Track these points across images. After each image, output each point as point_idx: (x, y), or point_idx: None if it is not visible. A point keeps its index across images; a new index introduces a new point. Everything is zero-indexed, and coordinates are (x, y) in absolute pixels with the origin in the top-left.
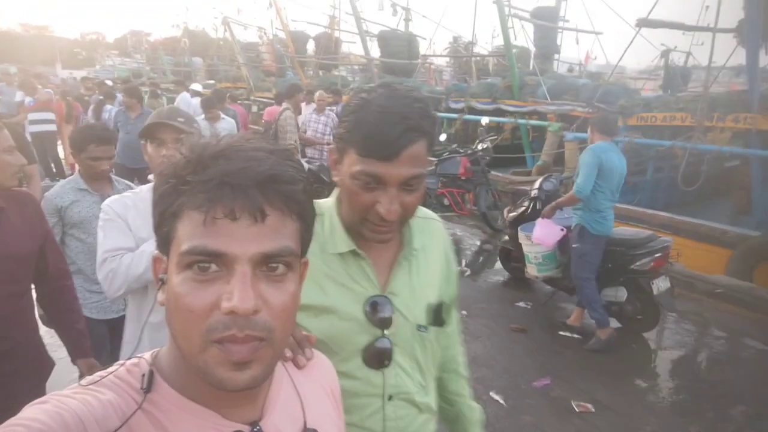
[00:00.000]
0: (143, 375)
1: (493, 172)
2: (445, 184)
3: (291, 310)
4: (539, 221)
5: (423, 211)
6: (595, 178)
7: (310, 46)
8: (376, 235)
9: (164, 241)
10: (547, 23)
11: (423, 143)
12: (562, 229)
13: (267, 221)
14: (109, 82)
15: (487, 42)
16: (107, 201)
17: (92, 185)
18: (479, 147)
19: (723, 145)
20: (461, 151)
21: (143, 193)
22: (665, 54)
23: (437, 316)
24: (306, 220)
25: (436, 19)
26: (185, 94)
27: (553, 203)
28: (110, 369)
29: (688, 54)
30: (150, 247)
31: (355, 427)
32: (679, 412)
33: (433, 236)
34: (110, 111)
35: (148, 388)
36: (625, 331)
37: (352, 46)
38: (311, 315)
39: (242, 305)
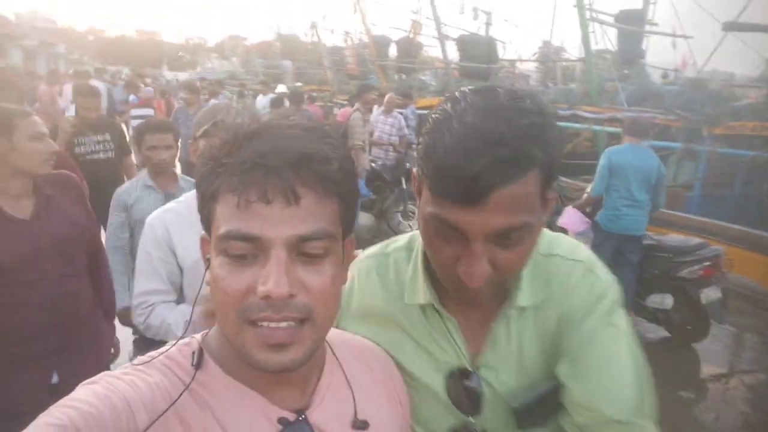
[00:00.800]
0: (193, 353)
1: (562, 179)
2: None
3: (332, 293)
4: (567, 209)
5: (547, 243)
6: (609, 178)
7: (393, 51)
8: (460, 296)
9: (206, 223)
10: (629, 27)
11: (529, 178)
12: (587, 221)
13: (301, 203)
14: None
15: (575, 47)
16: (149, 219)
17: (157, 181)
18: None
19: None
20: None
21: (188, 201)
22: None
23: (551, 405)
24: (346, 200)
25: (518, 23)
26: (264, 95)
27: (580, 200)
28: (162, 349)
29: None
30: (183, 312)
31: None
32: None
33: (557, 281)
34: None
35: (197, 365)
36: (672, 340)
37: (433, 50)
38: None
39: (276, 289)
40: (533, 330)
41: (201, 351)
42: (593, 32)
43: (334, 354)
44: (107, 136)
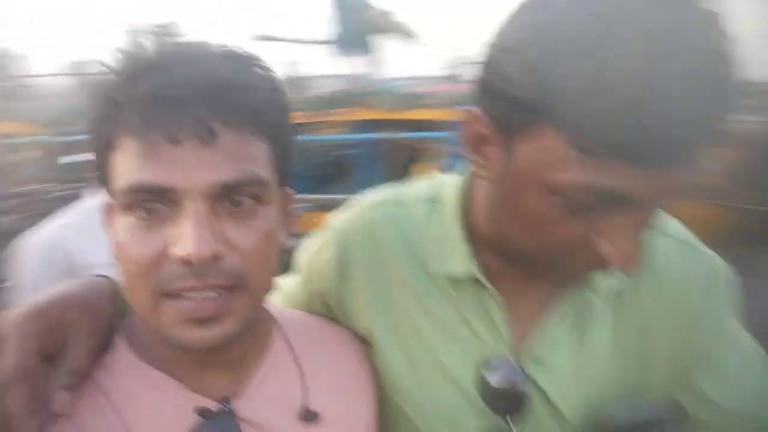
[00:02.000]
0: None
1: None
2: None
3: (267, 252)
4: None
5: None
6: None
7: None
8: (570, 282)
9: (104, 182)
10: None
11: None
12: None
13: (220, 142)
14: None
15: None
16: (34, 238)
17: None
18: None
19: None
20: None
21: (87, 205)
22: None
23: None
24: (279, 140)
25: None
26: None
27: None
28: None
29: None
30: None
31: None
32: None
33: (661, 263)
34: None
35: None
36: None
37: None
38: (405, 372)
39: (197, 251)
40: (610, 322)
41: None
42: None
43: (283, 333)
44: None
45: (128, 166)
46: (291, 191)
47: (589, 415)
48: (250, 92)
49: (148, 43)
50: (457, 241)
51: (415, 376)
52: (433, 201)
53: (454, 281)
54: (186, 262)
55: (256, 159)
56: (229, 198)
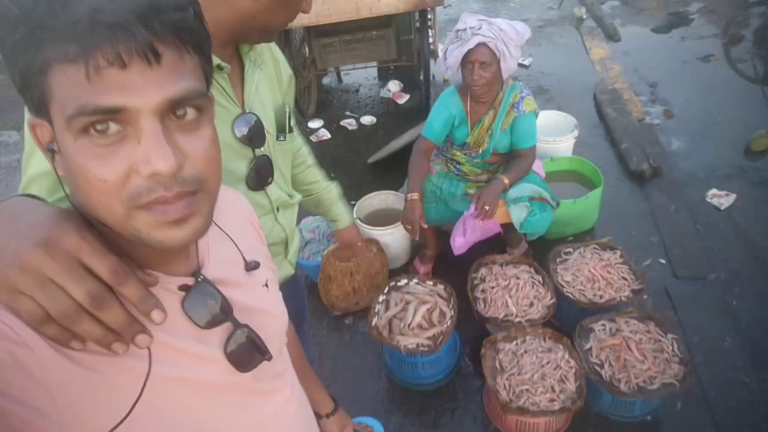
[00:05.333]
0: None
1: None
2: None
3: (215, 156)
4: None
5: None
6: None
7: None
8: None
9: (39, 105)
10: None
11: None
12: None
13: (163, 62)
14: None
15: None
16: None
17: None
18: None
19: None
20: None
21: None
22: None
23: (288, 120)
24: (204, 50)
25: None
26: None
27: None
28: None
29: None
30: None
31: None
32: None
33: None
34: None
35: None
36: None
37: None
38: None
39: (164, 165)
40: (263, 76)
41: None
42: None
43: None
44: None
45: (74, 91)
46: (212, 95)
47: (278, 123)
48: (181, 10)
49: None
50: None
51: None
52: None
53: None
54: (154, 176)
55: (193, 72)
56: (174, 112)
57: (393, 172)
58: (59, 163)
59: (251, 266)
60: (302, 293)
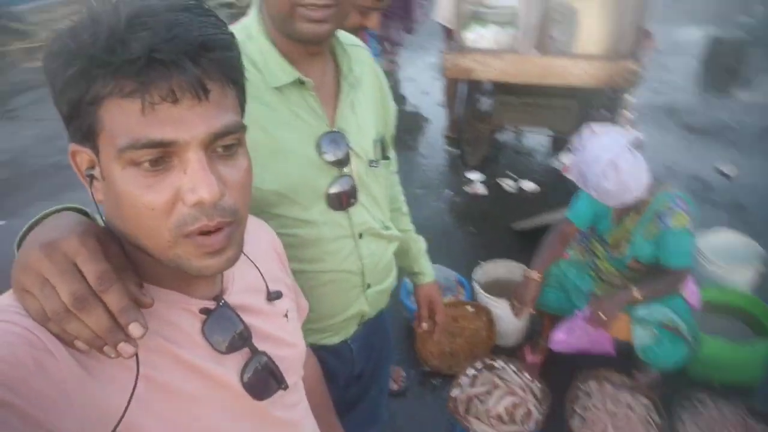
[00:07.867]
0: None
1: None
2: None
3: (249, 185)
4: None
5: (349, 38)
6: None
7: None
8: (312, 25)
9: (86, 134)
10: None
11: None
12: None
13: (210, 97)
14: None
15: None
16: None
17: None
18: None
19: None
20: None
21: None
22: None
23: (383, 150)
24: (240, 83)
25: None
26: None
27: None
28: None
29: None
30: None
31: (334, 272)
32: None
33: (364, 65)
34: None
35: None
36: None
37: None
38: (259, 166)
39: (208, 194)
40: (363, 97)
41: None
42: None
43: None
44: None
45: (128, 124)
46: (245, 124)
47: (369, 152)
48: (227, 50)
49: (116, 2)
50: (274, 58)
51: (274, 164)
52: (249, 37)
53: (281, 90)
54: (200, 205)
55: (234, 107)
56: (219, 143)
57: (535, 245)
58: (97, 189)
59: (273, 296)
60: (385, 335)
